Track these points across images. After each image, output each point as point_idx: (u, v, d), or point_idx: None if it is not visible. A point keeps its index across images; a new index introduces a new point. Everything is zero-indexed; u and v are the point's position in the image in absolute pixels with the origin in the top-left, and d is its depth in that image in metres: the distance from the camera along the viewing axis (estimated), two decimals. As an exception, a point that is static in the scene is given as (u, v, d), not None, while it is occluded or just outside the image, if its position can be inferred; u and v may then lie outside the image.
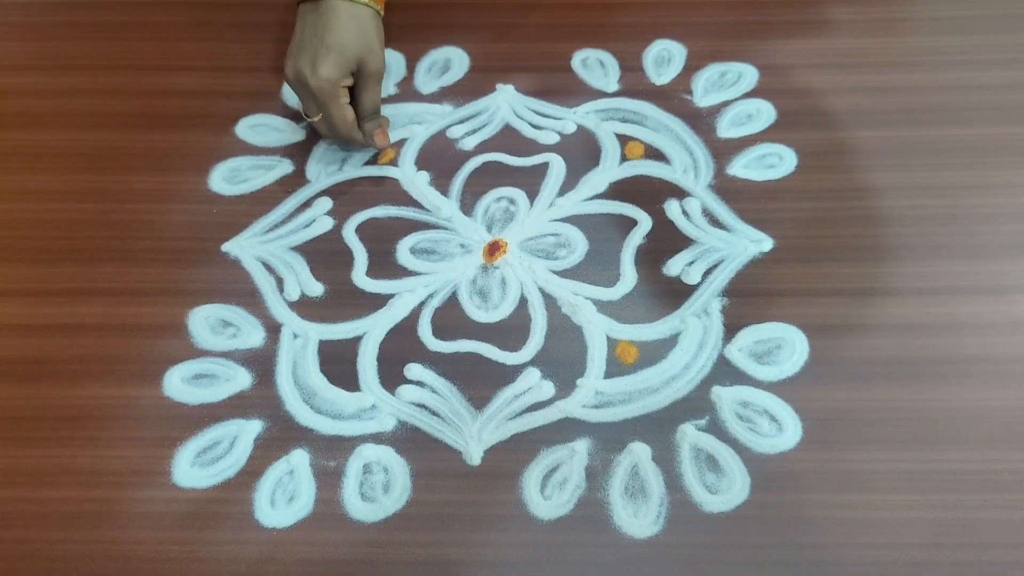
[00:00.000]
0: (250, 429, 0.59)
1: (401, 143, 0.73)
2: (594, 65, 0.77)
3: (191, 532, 0.55)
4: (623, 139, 0.72)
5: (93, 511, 0.56)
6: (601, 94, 0.75)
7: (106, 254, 0.67)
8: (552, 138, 0.72)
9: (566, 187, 0.69)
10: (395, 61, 0.78)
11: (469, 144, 0.72)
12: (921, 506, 0.54)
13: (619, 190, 0.69)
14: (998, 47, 0.75)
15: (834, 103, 0.72)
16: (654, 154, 0.71)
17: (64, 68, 0.79)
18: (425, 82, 0.77)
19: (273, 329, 0.63)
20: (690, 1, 0.81)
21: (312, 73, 0.66)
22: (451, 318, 0.63)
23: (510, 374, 0.60)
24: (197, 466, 0.57)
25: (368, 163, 0.72)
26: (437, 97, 0.76)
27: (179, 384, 0.61)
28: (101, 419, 0.59)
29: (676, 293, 0.63)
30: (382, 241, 0.67)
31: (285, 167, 0.72)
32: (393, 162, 0.72)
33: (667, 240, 0.66)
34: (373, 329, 0.63)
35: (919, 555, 0.52)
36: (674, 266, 0.64)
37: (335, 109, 0.67)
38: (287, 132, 0.74)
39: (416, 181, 0.70)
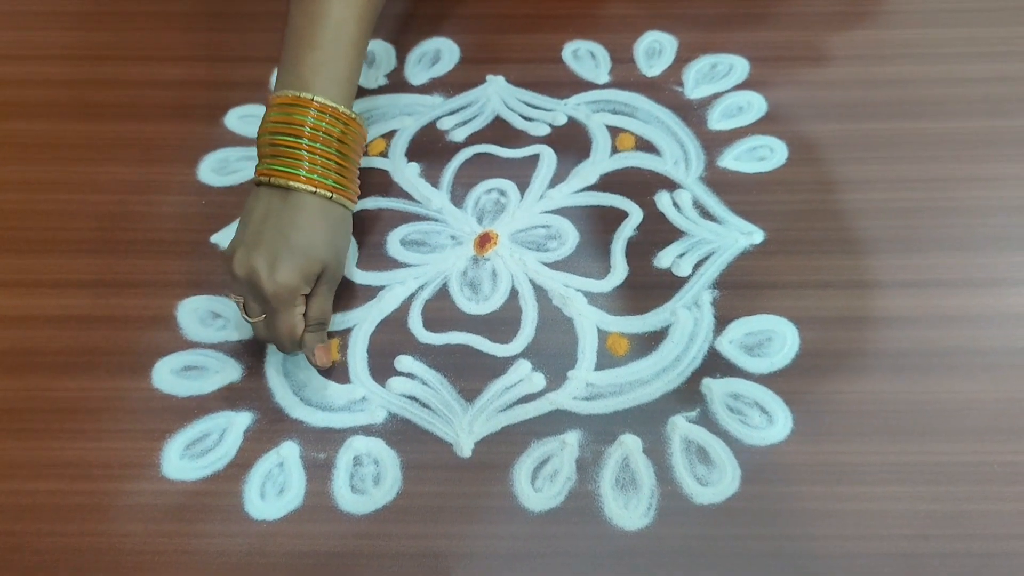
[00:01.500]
0: (240, 421, 0.58)
1: (391, 134, 0.72)
2: (585, 56, 0.77)
3: (180, 525, 0.54)
4: (614, 131, 0.71)
5: (81, 504, 0.55)
6: (592, 86, 0.74)
7: (94, 245, 0.67)
8: (543, 130, 0.72)
9: (557, 179, 0.69)
10: (385, 52, 0.78)
11: (459, 135, 0.72)
12: (910, 498, 0.54)
13: (610, 182, 0.68)
14: (985, 40, 0.75)
15: (825, 96, 0.72)
16: (645, 146, 0.70)
17: (52, 58, 0.78)
18: (415, 73, 0.76)
19: (263, 321, 0.63)
20: (681, -7, 0.81)
21: (269, 275, 0.56)
22: (442, 310, 0.63)
23: (501, 366, 0.60)
24: (186, 458, 0.57)
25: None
26: (427, 88, 0.75)
27: (168, 376, 0.60)
28: (89, 411, 0.59)
29: (667, 285, 0.63)
30: (372, 233, 0.67)
31: (275, 158, 0.71)
32: (383, 153, 0.71)
33: (658, 232, 0.66)
34: (363, 321, 0.62)
35: (908, 547, 0.52)
36: (665, 258, 0.64)
37: (285, 318, 0.57)
38: (276, 123, 0.73)
39: (406, 172, 0.70)
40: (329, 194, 0.58)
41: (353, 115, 0.61)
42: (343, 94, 0.60)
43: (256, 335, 0.60)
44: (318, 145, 0.58)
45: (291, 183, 0.58)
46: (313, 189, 0.58)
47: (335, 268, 0.59)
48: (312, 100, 0.58)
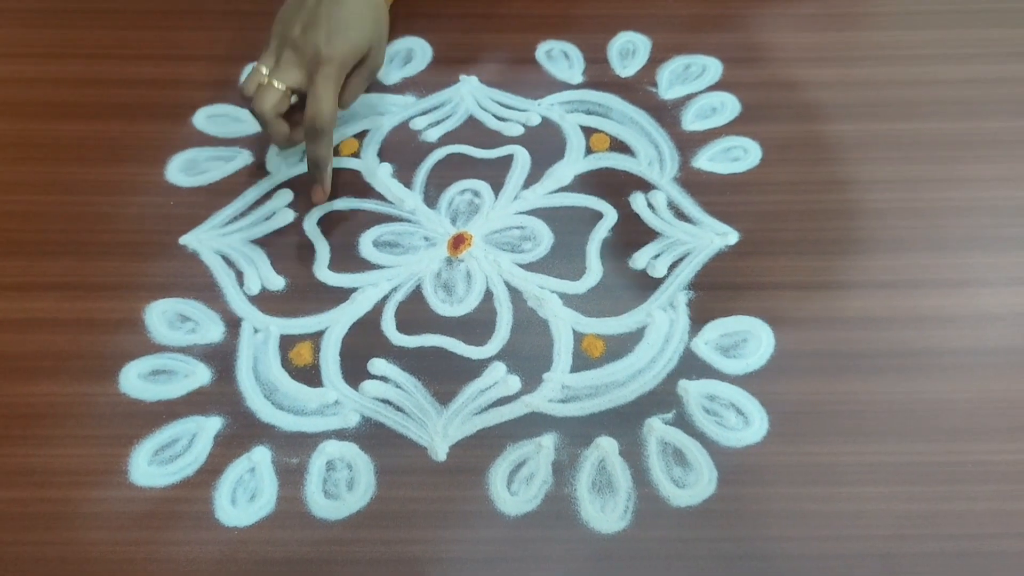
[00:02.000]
0: (210, 426, 0.57)
1: (363, 134, 0.72)
2: (558, 57, 0.76)
3: (149, 532, 0.53)
4: (588, 131, 0.71)
5: (47, 512, 0.54)
6: (566, 86, 0.74)
7: (59, 247, 0.65)
8: (517, 130, 0.71)
9: (531, 179, 0.69)
10: (357, 51, 0.77)
11: (432, 136, 0.71)
12: (885, 498, 0.54)
13: (584, 183, 0.68)
14: (958, 42, 0.76)
15: (798, 97, 0.72)
16: (619, 147, 0.70)
17: (15, 56, 0.77)
18: (387, 72, 0.76)
19: (233, 324, 0.62)
20: (654, -7, 0.81)
21: (327, 44, 0.62)
22: (415, 312, 0.62)
23: (475, 368, 0.60)
24: (155, 464, 0.56)
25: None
26: (400, 88, 0.75)
27: (136, 380, 0.59)
28: (55, 417, 0.58)
29: (642, 286, 0.63)
30: (344, 234, 0.66)
31: (245, 158, 0.70)
32: (356, 154, 0.70)
33: (633, 233, 0.65)
34: (335, 323, 0.62)
35: (884, 547, 0.52)
36: (640, 259, 0.64)
37: (327, 91, 0.62)
38: (247, 123, 0.72)
39: (379, 173, 0.69)
40: None
41: None
42: None
43: (253, 109, 0.63)
44: None
45: None
46: None
47: (377, 54, 0.66)
48: None
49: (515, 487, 0.55)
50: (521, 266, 0.64)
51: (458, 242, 0.65)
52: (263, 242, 0.66)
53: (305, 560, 0.52)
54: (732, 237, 0.65)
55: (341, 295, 0.63)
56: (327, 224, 0.66)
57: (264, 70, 0.64)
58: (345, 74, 0.64)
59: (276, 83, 0.63)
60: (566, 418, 0.57)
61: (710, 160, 0.69)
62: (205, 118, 0.73)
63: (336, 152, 0.70)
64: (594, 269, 0.64)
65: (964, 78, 0.73)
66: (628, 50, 0.77)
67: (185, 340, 0.61)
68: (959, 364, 0.59)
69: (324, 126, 0.63)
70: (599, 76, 0.75)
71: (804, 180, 0.68)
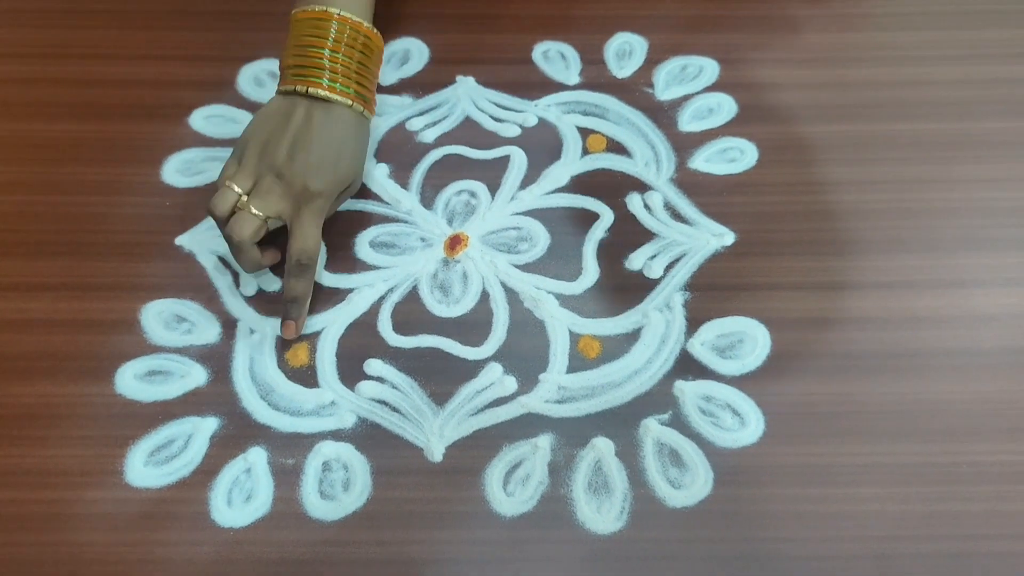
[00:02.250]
0: (206, 427, 0.57)
1: (360, 135, 0.72)
2: (555, 57, 0.76)
3: (145, 533, 0.53)
4: (584, 132, 0.71)
5: (42, 513, 0.54)
6: (562, 87, 0.74)
7: (55, 248, 0.65)
8: (513, 131, 0.71)
9: (527, 180, 0.69)
10: (353, 52, 0.77)
11: (429, 136, 0.71)
12: (881, 499, 0.54)
13: (581, 183, 0.68)
14: (954, 43, 0.76)
15: (794, 97, 0.72)
16: (616, 147, 0.70)
17: (10, 56, 0.77)
18: (384, 73, 0.75)
19: (229, 324, 0.62)
20: (651, -6, 0.81)
21: (314, 177, 0.60)
22: (412, 313, 0.62)
23: (472, 369, 0.60)
24: (151, 465, 0.56)
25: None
26: (396, 88, 0.75)
27: (132, 381, 0.59)
28: (51, 417, 0.58)
29: (638, 287, 0.63)
30: (340, 235, 0.66)
31: (241, 159, 0.70)
32: None
33: (629, 234, 0.65)
34: (332, 324, 0.62)
35: (879, 548, 0.52)
36: (636, 260, 0.64)
37: (311, 224, 0.60)
38: (243, 123, 0.72)
39: (375, 174, 0.69)
40: (350, 103, 0.62)
41: (372, 29, 0.64)
42: (361, 10, 0.64)
43: (237, 232, 0.59)
44: (340, 55, 0.62)
45: (317, 90, 0.61)
46: (355, 105, 0.62)
47: (356, 182, 0.64)
48: (335, 13, 0.62)
49: (511, 488, 0.55)
50: (517, 267, 0.64)
51: (454, 243, 0.65)
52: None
53: (301, 561, 0.52)
54: (728, 238, 0.65)
55: (338, 296, 0.63)
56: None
57: (238, 189, 0.60)
58: (330, 205, 0.63)
59: (255, 211, 0.59)
60: (562, 419, 0.57)
61: (706, 161, 0.69)
62: (201, 119, 0.73)
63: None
64: (590, 270, 0.64)
65: (960, 79, 0.73)
66: (625, 51, 0.77)
67: (181, 341, 0.61)
68: (954, 365, 0.59)
69: (311, 263, 0.60)
70: (596, 77, 0.75)
71: (800, 181, 0.68)
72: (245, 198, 0.60)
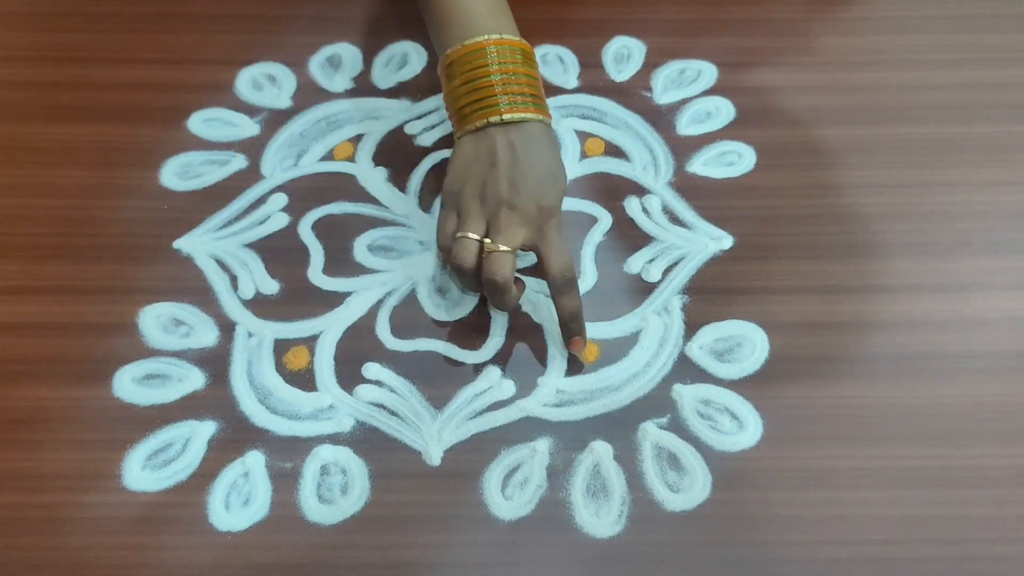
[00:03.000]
0: (203, 430, 0.57)
1: (358, 138, 0.72)
2: (553, 61, 0.76)
3: (142, 537, 0.53)
4: (583, 136, 0.71)
5: (39, 517, 0.54)
6: (560, 90, 0.74)
7: (53, 251, 0.65)
8: (512, 134, 0.71)
9: (526, 184, 0.68)
10: (352, 55, 0.77)
11: (427, 140, 0.71)
12: (879, 502, 0.54)
13: (579, 187, 0.68)
14: (951, 47, 0.76)
15: (792, 101, 0.73)
16: (614, 151, 0.70)
17: (8, 59, 0.77)
18: (382, 76, 0.76)
19: (227, 328, 0.62)
20: (649, -2, 0.81)
21: (550, 195, 0.59)
22: (409, 316, 0.62)
23: (470, 373, 0.60)
24: (149, 469, 0.56)
25: (324, 159, 0.70)
26: (394, 92, 0.75)
27: (129, 384, 0.59)
28: (48, 421, 0.57)
29: (637, 291, 0.63)
30: (339, 238, 0.66)
31: (239, 162, 0.70)
32: (350, 158, 0.70)
33: (627, 238, 0.65)
34: (330, 328, 0.62)
35: (877, 551, 0.52)
36: (634, 263, 0.64)
37: (558, 237, 0.59)
38: (241, 126, 0.72)
39: (373, 177, 0.69)
40: (539, 116, 0.61)
41: (521, 40, 0.63)
42: (507, 25, 0.64)
43: (461, 280, 0.60)
44: (510, 75, 0.61)
45: (509, 115, 0.60)
46: (546, 119, 0.61)
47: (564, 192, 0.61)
48: (486, 39, 0.61)
49: (509, 491, 0.55)
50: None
51: (453, 246, 0.65)
52: (257, 246, 0.65)
53: (299, 565, 0.52)
54: (727, 241, 0.65)
55: (335, 299, 0.63)
56: (321, 228, 0.66)
57: (475, 236, 0.58)
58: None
59: (503, 247, 0.58)
60: (561, 422, 0.57)
61: (705, 165, 0.69)
62: (200, 122, 0.72)
63: (330, 156, 0.70)
64: (589, 273, 0.64)
65: (957, 83, 0.73)
66: (623, 55, 0.77)
67: (179, 344, 0.61)
68: (953, 368, 0.59)
69: (574, 275, 0.59)
70: (594, 81, 0.75)
71: (798, 184, 0.68)
72: (488, 240, 0.58)
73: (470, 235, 0.58)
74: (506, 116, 0.60)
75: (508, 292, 0.58)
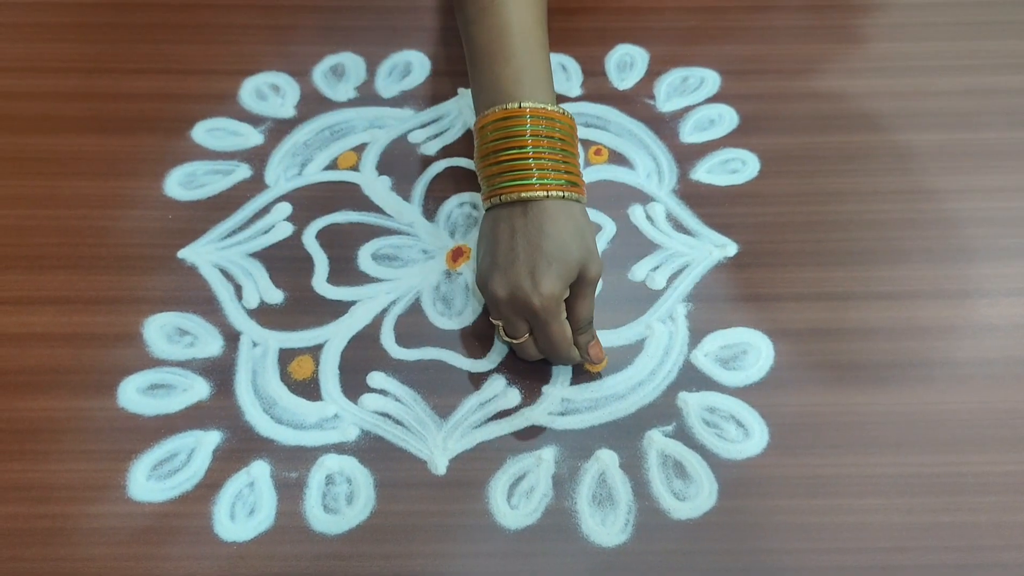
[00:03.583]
0: (208, 440, 0.57)
1: (362, 147, 0.72)
2: (556, 69, 0.76)
3: (147, 548, 0.53)
4: (586, 144, 0.71)
5: (45, 527, 0.54)
6: (564, 99, 0.74)
7: (57, 261, 0.65)
8: (515, 143, 0.71)
9: (530, 192, 0.69)
10: (355, 64, 0.77)
11: (431, 149, 0.71)
12: (886, 510, 0.54)
13: (583, 195, 0.68)
14: (955, 54, 0.76)
15: (795, 108, 0.73)
16: (618, 159, 0.70)
17: (13, 70, 0.77)
18: (386, 86, 0.76)
19: (231, 337, 0.62)
20: (651, 6, 0.81)
21: (533, 289, 0.55)
22: (414, 325, 0.62)
23: (475, 381, 0.59)
24: (154, 479, 0.56)
25: (328, 168, 0.70)
26: (398, 101, 0.75)
27: (134, 395, 0.59)
28: (53, 432, 0.57)
29: (641, 298, 0.63)
30: (343, 247, 0.66)
31: (243, 172, 0.70)
32: (354, 167, 0.70)
33: (632, 245, 0.65)
34: (334, 337, 0.62)
35: (884, 559, 0.52)
36: (639, 271, 0.64)
37: (558, 328, 0.56)
38: (245, 136, 0.72)
39: (377, 186, 0.69)
40: (563, 194, 0.57)
41: (562, 111, 0.60)
42: (548, 95, 0.60)
43: (523, 355, 0.59)
44: (543, 149, 0.58)
45: (526, 194, 0.57)
46: (553, 194, 0.57)
47: (591, 266, 0.57)
48: (525, 108, 0.58)
49: (515, 500, 0.55)
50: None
51: (457, 255, 0.65)
52: (262, 256, 0.65)
53: (304, 575, 0.52)
54: (731, 249, 0.65)
55: (340, 308, 0.63)
56: (326, 237, 0.66)
57: (519, 340, 0.58)
58: (563, 303, 0.57)
59: (516, 338, 0.58)
60: (566, 431, 0.57)
61: (708, 172, 0.69)
62: (204, 132, 0.73)
63: (334, 165, 0.70)
64: (593, 281, 0.64)
65: (961, 89, 0.73)
66: (626, 63, 0.77)
67: (184, 354, 0.61)
68: (958, 375, 0.59)
69: (567, 354, 0.58)
70: (597, 89, 0.75)
71: (802, 192, 0.68)
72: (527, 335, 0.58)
73: (511, 340, 0.59)
74: (534, 195, 0.57)
75: (567, 343, 0.58)
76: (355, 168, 0.71)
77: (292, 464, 0.56)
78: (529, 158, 0.58)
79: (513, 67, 0.60)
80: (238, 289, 0.64)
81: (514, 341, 0.58)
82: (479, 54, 0.61)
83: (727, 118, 0.72)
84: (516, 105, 0.58)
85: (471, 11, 0.62)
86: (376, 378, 0.60)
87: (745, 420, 0.57)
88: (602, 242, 0.66)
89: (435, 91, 0.75)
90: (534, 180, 0.57)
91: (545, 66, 0.61)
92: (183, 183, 0.70)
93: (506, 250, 0.57)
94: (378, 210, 0.68)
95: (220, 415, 0.58)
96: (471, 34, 0.62)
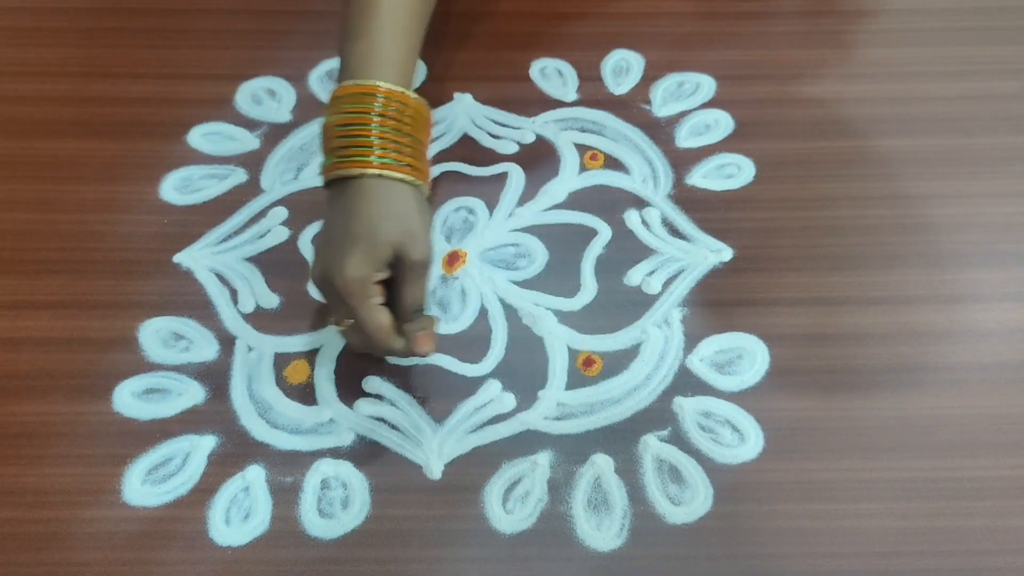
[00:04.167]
0: (204, 445, 0.57)
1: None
2: (552, 74, 0.76)
3: (142, 552, 0.53)
4: (582, 149, 0.71)
5: (39, 532, 0.54)
6: (560, 103, 0.74)
7: (53, 265, 0.65)
8: (511, 147, 0.71)
9: (525, 197, 0.69)
10: (351, 69, 0.77)
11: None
12: (881, 515, 0.54)
13: (578, 200, 0.68)
14: (950, 59, 0.76)
15: (791, 113, 0.73)
16: (613, 164, 0.70)
17: (8, 74, 0.77)
18: (382, 90, 0.76)
19: (227, 342, 0.61)
20: (647, 11, 0.81)
21: (338, 271, 0.53)
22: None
23: (471, 386, 0.59)
24: (149, 484, 0.56)
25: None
26: (394, 106, 0.75)
27: (129, 399, 0.59)
28: (48, 436, 0.57)
29: (637, 303, 0.63)
30: (339, 251, 0.66)
31: (239, 176, 0.70)
32: None
33: (627, 250, 0.65)
34: (330, 341, 0.61)
35: (880, 564, 0.52)
36: (634, 276, 0.64)
37: (366, 312, 0.54)
38: (241, 141, 0.72)
39: (373, 191, 0.69)
40: (394, 174, 0.56)
41: (414, 96, 0.60)
42: (399, 77, 0.59)
43: (351, 346, 0.58)
44: (388, 129, 0.57)
45: (347, 171, 0.56)
46: (368, 171, 0.56)
47: (412, 249, 0.55)
48: (375, 85, 0.57)
49: (510, 505, 0.55)
50: (516, 283, 0.64)
51: (453, 259, 0.65)
52: (257, 260, 0.65)
53: (300, 580, 0.52)
54: (726, 254, 0.65)
55: (336, 313, 0.63)
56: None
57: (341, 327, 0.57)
58: (375, 285, 0.55)
59: (337, 324, 0.57)
60: (561, 436, 0.57)
61: (704, 177, 0.69)
62: (200, 136, 0.73)
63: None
64: (589, 286, 0.64)
65: (956, 95, 0.74)
66: (622, 68, 0.77)
67: (179, 358, 0.61)
68: (953, 380, 0.59)
69: (384, 343, 0.56)
70: (593, 94, 0.75)
71: (798, 197, 0.68)
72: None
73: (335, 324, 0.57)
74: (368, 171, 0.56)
75: (383, 347, 0.56)
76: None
77: (287, 469, 0.56)
78: (371, 135, 0.56)
79: (366, 44, 0.59)
80: (234, 293, 0.64)
81: (338, 329, 0.57)
82: (344, 28, 0.61)
83: (723, 123, 0.73)
84: (366, 83, 0.58)
85: None
86: (372, 383, 0.60)
87: (740, 425, 0.57)
88: (598, 247, 0.66)
89: (431, 96, 0.74)
90: (373, 158, 0.56)
91: (402, 49, 0.61)
92: (179, 187, 0.69)
93: (327, 229, 0.57)
94: (374, 215, 0.68)
95: (215, 419, 0.58)
96: (344, 11, 0.62)
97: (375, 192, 0.56)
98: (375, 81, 0.58)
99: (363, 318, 0.54)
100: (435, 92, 0.75)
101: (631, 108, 0.74)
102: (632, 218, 0.67)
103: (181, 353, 0.61)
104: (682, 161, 0.70)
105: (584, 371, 0.60)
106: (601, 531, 0.54)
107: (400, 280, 0.56)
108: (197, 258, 0.65)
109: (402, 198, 0.56)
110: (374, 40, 0.59)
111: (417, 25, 0.63)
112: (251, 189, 0.69)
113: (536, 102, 0.74)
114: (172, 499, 0.55)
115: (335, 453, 0.57)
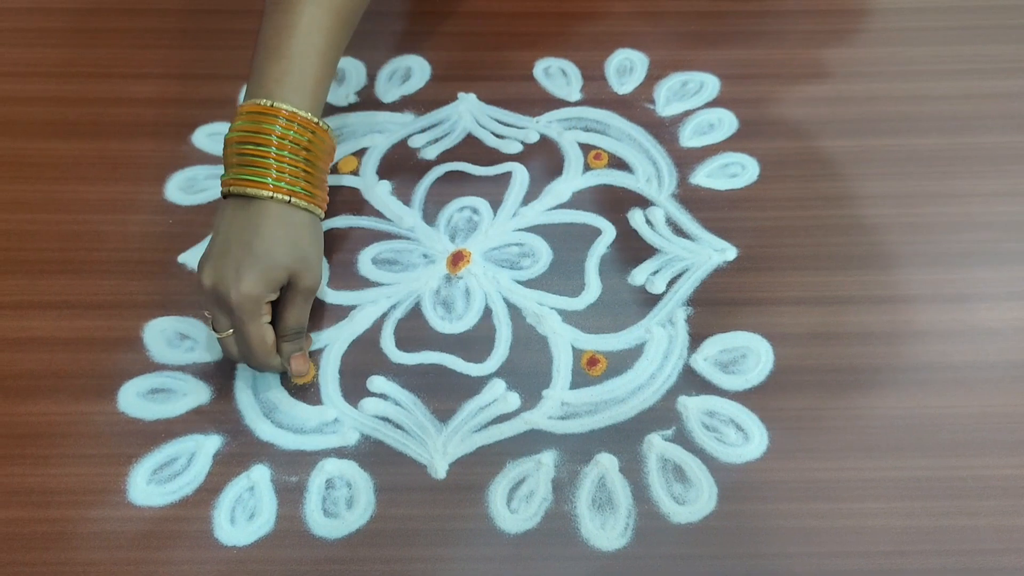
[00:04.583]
0: (209, 445, 0.57)
1: (362, 152, 0.72)
2: (556, 74, 0.76)
3: (148, 552, 0.53)
4: (586, 148, 0.71)
5: (44, 532, 0.54)
6: (563, 103, 0.74)
7: (58, 266, 0.65)
8: (515, 147, 0.71)
9: (529, 196, 0.69)
10: (355, 69, 0.77)
11: (431, 153, 0.71)
12: (886, 514, 0.54)
13: (582, 199, 0.68)
14: (954, 58, 0.76)
15: (795, 113, 0.73)
16: (617, 163, 0.70)
17: (13, 75, 0.77)
18: (386, 90, 0.76)
19: (232, 342, 0.62)
20: (651, 11, 0.81)
21: (234, 285, 0.55)
22: (414, 329, 0.62)
23: (475, 386, 0.59)
24: (154, 483, 0.56)
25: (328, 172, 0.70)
26: (398, 106, 0.75)
27: (134, 399, 0.59)
28: (53, 436, 0.58)
29: (641, 302, 0.63)
30: (343, 251, 0.66)
31: (243, 176, 0.70)
32: (355, 172, 0.70)
33: (631, 249, 0.65)
34: (335, 341, 0.62)
35: (885, 563, 0.52)
36: (639, 275, 0.64)
37: (254, 329, 0.56)
38: (245, 141, 0.72)
39: (377, 191, 0.69)
40: (288, 198, 0.58)
41: (320, 123, 0.60)
42: (309, 103, 0.60)
43: (227, 353, 0.59)
44: (286, 153, 0.58)
45: (254, 191, 0.57)
46: (277, 195, 0.57)
47: (304, 275, 0.58)
48: (279, 108, 0.58)
49: (515, 504, 0.55)
50: (520, 283, 0.64)
51: (457, 259, 0.65)
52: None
53: (304, 579, 0.52)
54: (730, 253, 0.65)
55: (340, 312, 0.63)
56: (326, 242, 0.66)
57: (224, 333, 0.58)
58: (266, 304, 0.57)
59: (218, 332, 0.58)
60: (566, 435, 0.57)
61: (708, 176, 0.69)
62: (204, 136, 0.73)
63: (335, 170, 0.70)
64: (593, 286, 0.64)
65: (960, 94, 0.73)
66: (625, 67, 0.77)
67: (184, 358, 0.61)
68: (958, 379, 0.59)
69: (263, 359, 0.57)
70: (597, 93, 0.75)
71: (802, 196, 0.68)
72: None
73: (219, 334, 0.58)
74: (261, 192, 0.57)
75: (261, 363, 0.58)
76: (355, 173, 0.71)
77: (292, 468, 0.56)
78: (271, 158, 0.57)
79: (281, 67, 0.59)
80: (238, 293, 0.64)
81: (217, 336, 0.58)
82: (259, 45, 0.61)
83: (727, 122, 0.73)
84: (269, 103, 0.58)
85: (268, 4, 0.62)
86: (376, 382, 0.60)
87: (745, 424, 0.57)
88: (602, 246, 0.66)
89: (435, 96, 0.75)
90: (269, 180, 0.57)
91: (315, 73, 0.60)
92: (184, 188, 0.70)
93: (222, 241, 0.57)
94: (378, 214, 0.68)
95: (220, 419, 0.58)
96: (261, 25, 0.62)
97: (274, 215, 0.57)
98: (281, 104, 0.58)
99: (249, 334, 0.56)
100: (439, 92, 0.75)
101: (635, 107, 0.74)
102: (636, 217, 0.67)
103: (186, 353, 0.61)
104: (686, 160, 0.70)
105: (588, 370, 0.60)
106: (605, 530, 0.54)
107: (286, 302, 0.58)
108: (202, 258, 0.66)
109: (298, 224, 0.58)
110: (287, 63, 0.59)
111: (333, 51, 0.62)
112: (255, 189, 0.69)
113: (540, 102, 0.74)
114: (177, 499, 0.55)
115: (340, 453, 0.57)
